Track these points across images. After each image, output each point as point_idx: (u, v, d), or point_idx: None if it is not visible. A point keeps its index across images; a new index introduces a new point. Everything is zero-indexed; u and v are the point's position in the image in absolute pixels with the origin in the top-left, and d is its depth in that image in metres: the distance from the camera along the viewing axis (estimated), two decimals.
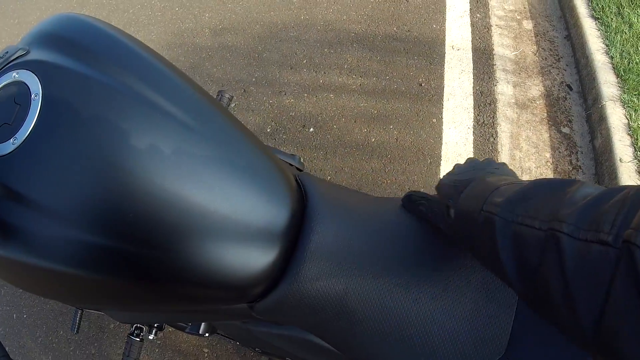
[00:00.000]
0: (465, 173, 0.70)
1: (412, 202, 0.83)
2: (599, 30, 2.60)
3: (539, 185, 0.53)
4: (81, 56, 0.69)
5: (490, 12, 2.87)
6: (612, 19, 2.64)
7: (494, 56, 2.63)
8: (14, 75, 0.67)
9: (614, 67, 2.41)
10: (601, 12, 2.68)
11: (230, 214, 0.69)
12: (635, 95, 2.25)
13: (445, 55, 2.63)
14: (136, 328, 1.37)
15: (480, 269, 0.74)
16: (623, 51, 2.46)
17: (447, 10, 2.88)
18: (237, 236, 0.70)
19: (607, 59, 2.46)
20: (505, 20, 2.83)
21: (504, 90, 2.47)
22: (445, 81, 2.50)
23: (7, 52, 0.72)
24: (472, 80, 2.51)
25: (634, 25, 2.59)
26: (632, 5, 2.71)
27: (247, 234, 0.71)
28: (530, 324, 0.69)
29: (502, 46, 2.68)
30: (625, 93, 2.27)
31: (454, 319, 0.71)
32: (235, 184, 0.70)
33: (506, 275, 0.52)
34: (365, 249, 0.77)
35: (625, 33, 2.55)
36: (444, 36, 2.73)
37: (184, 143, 0.67)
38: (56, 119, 0.63)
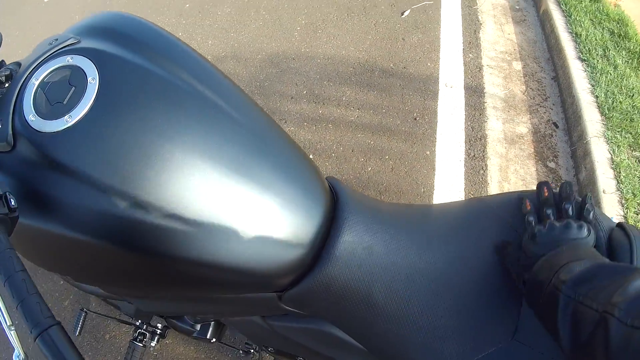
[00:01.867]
0: (549, 235, 0.81)
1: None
2: (585, 71, 2.81)
3: (603, 268, 0.66)
4: (135, 48, 0.78)
5: (482, 53, 3.08)
6: (598, 60, 2.85)
7: (485, 94, 2.81)
8: (68, 60, 0.75)
9: (598, 106, 2.60)
10: (588, 54, 2.89)
11: (270, 206, 0.77)
12: (618, 132, 2.43)
13: (439, 92, 2.81)
14: (139, 334, 1.45)
15: (491, 274, 0.86)
16: (608, 91, 2.66)
17: (441, 49, 3.08)
18: (274, 226, 0.78)
19: (592, 98, 2.65)
20: (496, 61, 3.04)
21: (494, 126, 2.65)
22: (438, 116, 2.67)
23: (56, 39, 0.80)
24: (464, 116, 2.69)
25: (619, 67, 2.80)
26: (617, 48, 2.93)
27: (283, 225, 0.79)
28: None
29: (493, 85, 2.87)
30: (609, 130, 2.45)
31: (469, 308, 0.84)
32: (277, 177, 0.79)
33: (560, 342, 0.65)
34: (392, 247, 0.88)
35: (610, 74, 2.76)
36: (438, 74, 2.92)
37: (232, 134, 0.77)
38: (113, 102, 0.71)
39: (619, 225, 0.82)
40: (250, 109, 0.84)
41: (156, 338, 1.46)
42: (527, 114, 2.74)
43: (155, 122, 0.72)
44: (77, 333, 1.49)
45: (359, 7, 3.42)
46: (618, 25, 3.13)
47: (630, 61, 2.87)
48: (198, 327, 1.24)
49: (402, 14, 3.35)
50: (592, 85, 2.72)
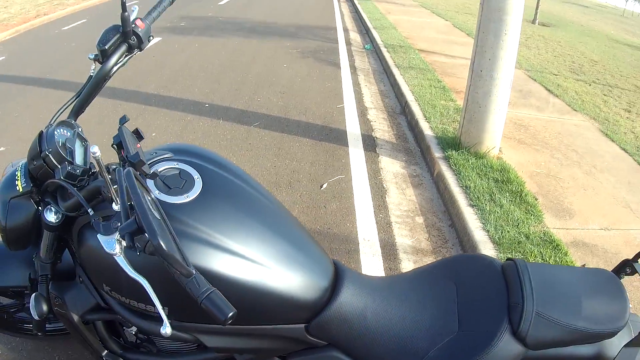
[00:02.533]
0: None
1: None
2: (476, 214, 3.33)
3: None
4: (210, 162, 1.38)
5: (389, 213, 3.62)
6: (486, 204, 3.39)
7: (396, 243, 3.26)
8: (176, 164, 1.31)
9: (490, 238, 3.08)
10: (477, 201, 3.44)
11: (299, 266, 1.32)
12: (508, 252, 2.82)
13: (359, 244, 3.25)
14: None
15: (436, 304, 1.42)
16: (497, 225, 3.14)
17: (356, 212, 3.60)
18: (299, 276, 1.31)
19: (484, 233, 3.12)
20: (402, 218, 3.56)
21: (407, 266, 3.02)
22: (361, 262, 3.07)
23: (155, 152, 1.35)
24: (382, 261, 3.10)
25: (504, 205, 3.35)
26: (502, 191, 3.51)
27: (303, 278, 1.31)
28: (471, 312, 1.35)
29: (402, 236, 3.34)
30: (501, 253, 2.84)
31: (426, 323, 1.37)
32: (299, 248, 1.37)
33: None
34: (375, 295, 1.43)
35: (498, 212, 3.28)
36: (357, 231, 3.38)
37: (275, 219, 1.39)
38: (212, 191, 1.28)
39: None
40: (279, 206, 1.47)
41: None
42: (433, 255, 3.20)
43: (237, 205, 1.32)
44: None
45: (285, 182, 3.95)
46: (501, 174, 3.85)
47: (513, 199, 3.47)
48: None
49: (321, 186, 3.93)
50: (483, 224, 3.23)
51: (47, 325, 1.74)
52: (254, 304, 1.25)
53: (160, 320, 1.01)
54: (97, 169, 1.10)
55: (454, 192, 3.63)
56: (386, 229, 3.41)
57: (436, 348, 1.31)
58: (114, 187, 1.06)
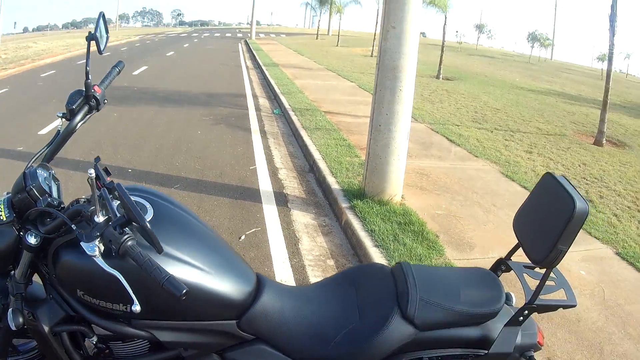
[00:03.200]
0: None
1: None
2: (381, 253, 3.69)
3: None
4: (157, 197, 1.67)
5: (303, 258, 3.89)
6: (390, 244, 3.74)
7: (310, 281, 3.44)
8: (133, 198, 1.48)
9: None
10: (382, 242, 3.80)
11: (229, 273, 1.63)
12: None
13: None
14: None
15: (337, 299, 1.75)
16: (401, 260, 3.43)
17: (272, 259, 3.85)
18: (229, 280, 1.60)
19: None
20: (314, 262, 3.85)
21: None
22: None
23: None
24: None
25: (407, 244, 3.69)
26: (405, 232, 3.91)
27: (230, 280, 1.61)
28: (368, 305, 1.66)
29: (315, 277, 3.61)
30: None
31: (331, 316, 1.68)
32: (228, 260, 1.69)
33: None
34: (291, 297, 1.76)
35: (401, 249, 3.69)
36: (274, 275, 3.60)
37: (210, 238, 1.72)
38: (160, 216, 1.57)
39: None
40: (212, 230, 1.80)
41: None
42: None
43: (180, 227, 1.64)
44: None
45: None
46: (403, 217, 4.30)
47: (415, 238, 3.91)
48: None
49: (240, 238, 4.14)
50: (388, 260, 3.56)
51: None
52: (195, 302, 1.52)
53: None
54: (91, 188, 1.43)
55: (361, 236, 3.96)
56: (300, 271, 3.65)
57: (341, 334, 1.61)
58: (101, 202, 1.45)
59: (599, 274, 3.84)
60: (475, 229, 4.37)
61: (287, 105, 9.71)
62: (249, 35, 42.66)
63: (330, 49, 30.38)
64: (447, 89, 14.19)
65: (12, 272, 1.70)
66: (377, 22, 25.78)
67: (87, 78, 1.79)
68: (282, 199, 5.12)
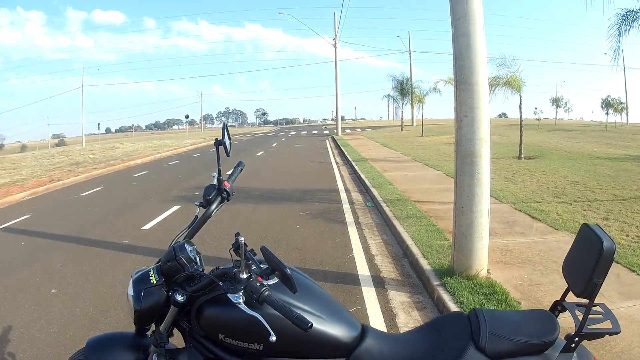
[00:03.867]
0: None
1: None
2: None
3: None
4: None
5: (399, 330, 4.30)
6: None
7: None
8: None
9: None
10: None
11: (340, 321, 2.10)
12: None
13: None
14: None
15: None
16: None
17: None
18: (340, 326, 2.07)
19: None
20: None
21: None
22: None
23: None
24: None
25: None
26: (489, 301, 4.23)
27: (340, 327, 2.06)
28: (450, 342, 2.10)
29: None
30: None
31: (421, 350, 2.15)
32: (339, 312, 2.16)
33: None
34: (392, 341, 2.21)
35: None
36: None
37: (322, 295, 2.22)
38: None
39: None
40: (323, 290, 2.30)
41: None
42: None
43: (304, 283, 2.17)
44: None
45: None
46: (488, 288, 4.72)
47: (499, 306, 4.37)
48: None
49: None
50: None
51: None
52: (313, 341, 2.03)
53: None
54: (240, 251, 1.99)
55: (451, 308, 4.34)
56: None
57: None
58: (246, 262, 2.00)
59: None
60: (554, 293, 4.58)
61: (378, 198, 10.33)
62: (335, 131, 44.48)
63: (416, 139, 31.20)
64: (528, 168, 14.35)
65: (150, 329, 2.33)
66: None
67: (219, 175, 2.42)
68: (379, 282, 5.60)
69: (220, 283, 2.00)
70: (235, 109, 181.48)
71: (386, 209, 9.19)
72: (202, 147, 34.11)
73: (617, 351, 3.56)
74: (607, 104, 52.29)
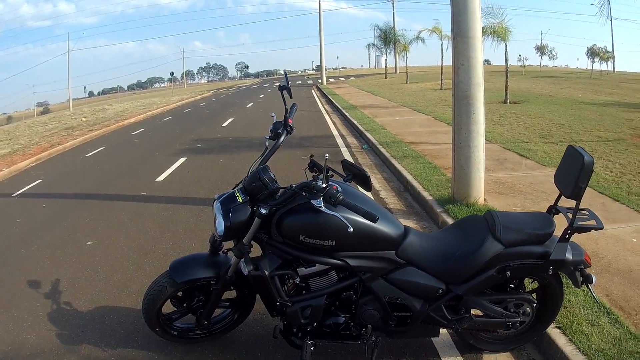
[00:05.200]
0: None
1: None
2: None
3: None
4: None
5: None
6: None
7: None
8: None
9: None
10: None
11: (388, 221, 2.75)
12: None
13: None
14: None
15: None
16: None
17: None
18: (388, 225, 2.72)
19: None
20: None
21: None
22: None
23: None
24: None
25: None
26: None
27: (391, 224, 2.74)
28: (472, 235, 2.78)
29: None
30: None
31: (452, 243, 2.84)
32: (387, 215, 2.82)
33: None
34: (429, 237, 2.98)
35: None
36: None
37: (375, 203, 2.95)
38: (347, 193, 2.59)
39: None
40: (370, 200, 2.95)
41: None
42: None
43: (360, 195, 2.81)
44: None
45: None
46: None
47: None
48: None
49: None
50: None
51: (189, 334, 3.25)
52: (370, 236, 2.62)
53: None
54: (324, 168, 2.46)
55: None
56: None
57: (457, 254, 2.71)
58: (327, 174, 2.48)
59: None
60: None
61: (373, 141, 10.88)
62: (319, 80, 44.29)
63: (401, 86, 31.42)
64: (515, 112, 14.86)
65: (223, 248, 2.97)
66: (442, 57, 26.87)
67: (286, 113, 2.95)
68: None
69: (303, 193, 2.49)
70: (215, 64, 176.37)
71: (382, 150, 9.74)
72: (190, 102, 33.88)
73: (605, 263, 4.19)
74: (592, 53, 52.23)
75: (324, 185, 2.43)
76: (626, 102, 18.02)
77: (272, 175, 2.69)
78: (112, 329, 3.64)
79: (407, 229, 2.80)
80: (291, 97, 3.00)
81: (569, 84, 28.84)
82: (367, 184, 2.69)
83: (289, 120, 2.94)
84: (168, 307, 3.14)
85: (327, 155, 2.44)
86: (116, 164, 11.23)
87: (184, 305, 3.14)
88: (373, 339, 2.83)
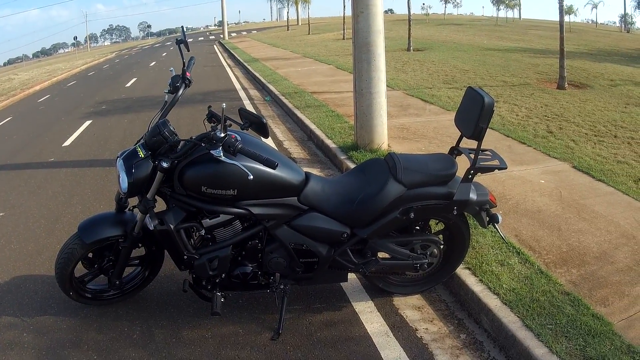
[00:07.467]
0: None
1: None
2: None
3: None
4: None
5: None
6: None
7: None
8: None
9: None
10: None
11: (289, 168, 2.64)
12: None
13: None
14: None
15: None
16: None
17: None
18: (289, 172, 2.61)
19: None
20: None
21: None
22: None
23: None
24: None
25: None
26: None
27: (292, 171, 2.62)
28: (374, 178, 2.66)
29: None
30: None
31: (353, 186, 2.72)
32: (287, 161, 2.71)
33: None
34: (329, 182, 2.86)
35: None
36: None
37: (274, 151, 2.84)
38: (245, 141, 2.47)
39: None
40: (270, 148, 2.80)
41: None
42: None
43: (258, 143, 2.65)
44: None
45: None
46: None
47: None
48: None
49: None
50: None
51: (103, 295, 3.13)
52: (271, 183, 2.48)
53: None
54: (221, 118, 2.37)
55: None
56: None
57: (360, 196, 2.57)
58: (225, 124, 2.41)
59: (557, 181, 4.70)
60: None
61: (276, 92, 10.51)
62: (222, 36, 43.35)
63: (303, 37, 31.04)
64: (418, 59, 14.97)
65: (128, 206, 2.83)
66: (344, 7, 26.57)
67: (184, 66, 2.79)
68: None
69: (202, 144, 2.40)
70: (118, 25, 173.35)
71: (285, 101, 9.43)
72: (94, 65, 31.74)
73: (513, 203, 4.20)
74: (498, 0, 53.55)
75: (222, 135, 2.39)
76: (532, 47, 18.85)
77: (171, 129, 2.57)
78: (29, 297, 3.47)
79: (308, 175, 2.71)
80: (188, 51, 2.90)
81: (473, 31, 29.68)
82: (264, 130, 2.64)
83: (187, 74, 2.84)
84: (81, 270, 3.07)
85: (225, 104, 2.35)
86: (24, 132, 10.18)
87: (95, 266, 3.07)
88: (282, 287, 2.82)
